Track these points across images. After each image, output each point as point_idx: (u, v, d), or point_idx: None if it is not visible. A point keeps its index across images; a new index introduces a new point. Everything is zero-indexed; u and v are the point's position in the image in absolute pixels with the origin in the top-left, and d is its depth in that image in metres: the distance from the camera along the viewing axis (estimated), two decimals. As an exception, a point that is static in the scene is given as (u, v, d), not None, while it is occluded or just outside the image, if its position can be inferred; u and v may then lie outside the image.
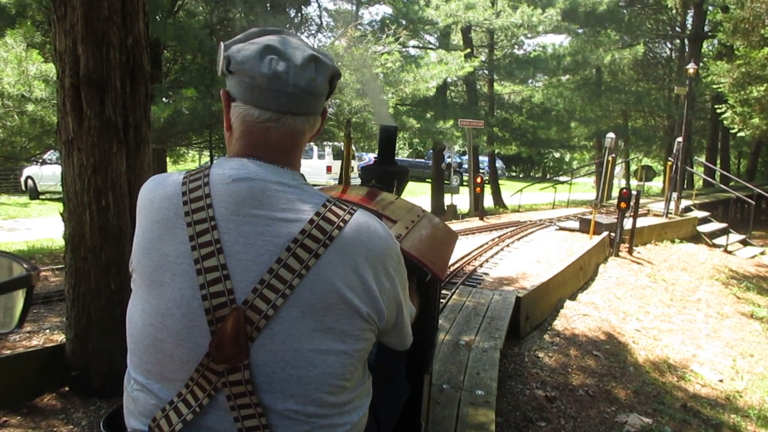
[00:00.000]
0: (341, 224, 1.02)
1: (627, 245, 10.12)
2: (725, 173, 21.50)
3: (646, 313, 7.55)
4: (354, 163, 15.56)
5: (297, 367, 0.98)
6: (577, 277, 7.87)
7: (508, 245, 9.05)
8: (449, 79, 14.64)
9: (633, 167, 28.04)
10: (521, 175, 41.04)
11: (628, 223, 9.99)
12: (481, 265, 7.73)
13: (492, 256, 8.20)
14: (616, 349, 6.21)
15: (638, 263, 9.68)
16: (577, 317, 6.77)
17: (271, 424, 0.99)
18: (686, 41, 24.19)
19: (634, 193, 9.55)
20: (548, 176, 40.49)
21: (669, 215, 13.25)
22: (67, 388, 3.57)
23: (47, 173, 15.13)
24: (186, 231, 1.02)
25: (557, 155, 39.87)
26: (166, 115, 7.74)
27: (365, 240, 1.04)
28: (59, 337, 3.91)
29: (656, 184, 29.02)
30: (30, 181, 16.29)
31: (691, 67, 13.71)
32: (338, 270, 1.00)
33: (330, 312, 1.00)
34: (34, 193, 16.18)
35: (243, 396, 0.98)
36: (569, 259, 7.86)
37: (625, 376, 5.64)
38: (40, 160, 11.44)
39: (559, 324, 6.56)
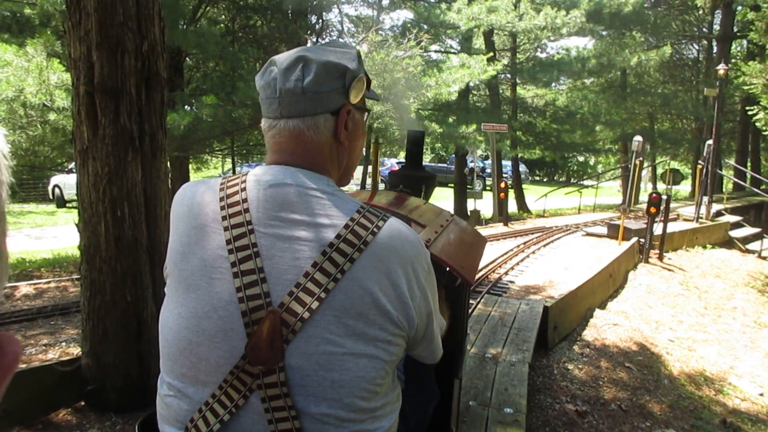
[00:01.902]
0: (375, 230, 1.03)
1: (657, 251, 9.82)
2: (757, 176, 20.89)
3: (679, 323, 7.27)
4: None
5: (331, 371, 0.99)
6: (607, 285, 7.63)
7: (534, 252, 8.82)
8: (471, 83, 14.46)
9: (659, 170, 27.50)
10: (545, 179, 40.52)
11: (657, 229, 9.68)
12: (506, 273, 7.52)
13: (518, 264, 7.98)
14: (649, 360, 5.97)
15: (669, 270, 9.37)
16: (608, 327, 6.54)
17: (304, 427, 0.99)
18: (714, 42, 23.70)
19: (664, 197, 9.26)
20: (572, 180, 39.96)
21: (700, 220, 12.86)
22: (82, 403, 3.49)
23: (73, 182, 15.29)
24: (223, 235, 1.03)
25: (581, 159, 39.25)
26: (186, 122, 7.72)
27: (398, 246, 1.05)
28: (76, 350, 3.83)
29: (683, 187, 28.41)
30: (57, 190, 16.50)
31: (721, 68, 13.32)
32: (372, 275, 1.01)
33: (363, 316, 1.00)
34: (61, 202, 16.37)
35: (277, 398, 0.98)
36: (598, 266, 7.61)
37: (659, 390, 5.40)
38: (66, 169, 11.55)
39: (588, 334, 6.33)
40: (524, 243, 9.44)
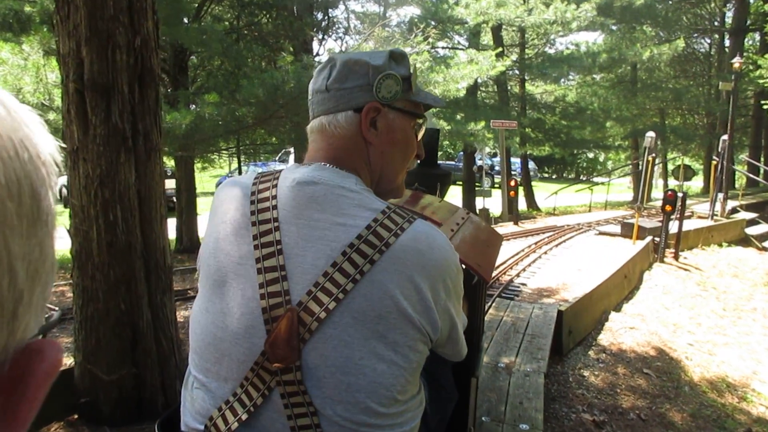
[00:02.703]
0: (399, 232, 1.01)
1: (672, 250, 9.56)
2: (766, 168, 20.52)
3: (697, 325, 7.03)
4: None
5: (347, 374, 0.97)
6: (622, 287, 7.39)
7: (546, 252, 8.57)
8: (480, 80, 14.23)
9: (670, 167, 27.08)
10: (554, 176, 40.14)
11: (672, 227, 9.42)
12: (518, 275, 7.29)
13: (529, 265, 7.74)
14: (668, 366, 5.74)
15: (685, 269, 9.11)
16: (624, 331, 6.31)
17: (322, 425, 0.98)
18: (726, 35, 23.33)
19: (679, 195, 8.99)
20: (582, 177, 39.60)
21: (715, 217, 12.56)
22: (75, 416, 3.34)
23: None
24: (251, 230, 1.03)
25: (591, 155, 38.86)
26: (188, 121, 7.55)
27: (424, 250, 1.01)
28: (69, 360, 3.67)
29: (695, 183, 27.97)
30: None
31: (736, 62, 12.99)
32: (394, 278, 0.98)
33: (383, 320, 0.98)
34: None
35: (296, 395, 0.98)
36: (612, 266, 7.38)
37: (680, 397, 5.17)
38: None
39: (604, 338, 6.11)
40: (536, 243, 9.18)
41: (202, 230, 11.88)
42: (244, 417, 1.00)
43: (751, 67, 16.47)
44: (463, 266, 1.57)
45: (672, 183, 26.93)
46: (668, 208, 8.83)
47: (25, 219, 0.33)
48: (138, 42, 3.32)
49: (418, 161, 2.01)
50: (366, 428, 0.99)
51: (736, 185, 21.54)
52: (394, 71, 1.10)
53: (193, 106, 8.58)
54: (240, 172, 13.30)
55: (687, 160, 25.89)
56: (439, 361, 1.31)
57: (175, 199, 11.23)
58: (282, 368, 0.98)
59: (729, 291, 8.50)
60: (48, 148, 0.37)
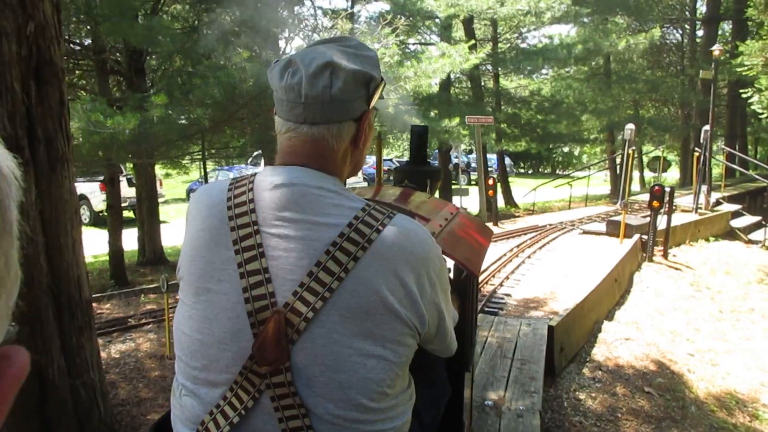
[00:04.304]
0: (380, 227, 1.01)
1: (660, 248, 9.06)
2: (748, 158, 20.33)
3: (696, 331, 6.51)
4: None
5: (337, 372, 0.97)
6: (612, 292, 6.85)
7: (529, 256, 7.96)
8: (453, 74, 13.69)
9: (645, 159, 26.84)
10: (530, 172, 39.86)
11: (660, 223, 8.91)
12: (501, 284, 6.67)
13: (513, 272, 7.12)
14: (671, 382, 5.19)
15: (676, 268, 8.61)
16: (619, 343, 5.75)
17: (314, 426, 0.98)
18: (697, 25, 23.21)
19: (667, 189, 8.48)
20: (558, 171, 39.46)
21: (699, 210, 12.14)
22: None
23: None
24: (230, 236, 1.03)
25: (566, 149, 38.66)
26: (132, 125, 6.82)
27: (406, 244, 1.02)
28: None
29: (670, 174, 27.84)
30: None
31: (716, 49, 12.59)
32: (378, 273, 0.99)
33: (370, 316, 0.98)
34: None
35: (287, 397, 0.98)
36: (601, 270, 6.83)
37: (687, 419, 4.62)
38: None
39: (598, 353, 5.54)
40: (518, 246, 8.54)
41: (169, 239, 11.26)
42: (235, 420, 0.99)
43: (727, 55, 16.19)
44: (452, 261, 1.57)
45: (648, 175, 26.80)
46: (656, 204, 8.33)
47: None
48: (31, 29, 2.69)
49: (408, 159, 2.06)
50: (358, 425, 0.99)
51: (714, 176, 21.33)
52: (382, 77, 1.11)
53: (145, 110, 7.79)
54: (206, 179, 12.53)
55: (661, 152, 25.76)
56: (431, 356, 1.29)
57: (131, 211, 10.49)
58: (271, 371, 0.97)
59: (723, 290, 8.02)
60: (7, 162, 0.38)
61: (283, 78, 1.05)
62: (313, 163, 1.06)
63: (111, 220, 8.90)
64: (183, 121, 8.42)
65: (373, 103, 1.12)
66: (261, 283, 0.98)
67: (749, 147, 32.06)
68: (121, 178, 14.99)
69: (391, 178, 2.41)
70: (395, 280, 0.99)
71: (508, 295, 6.11)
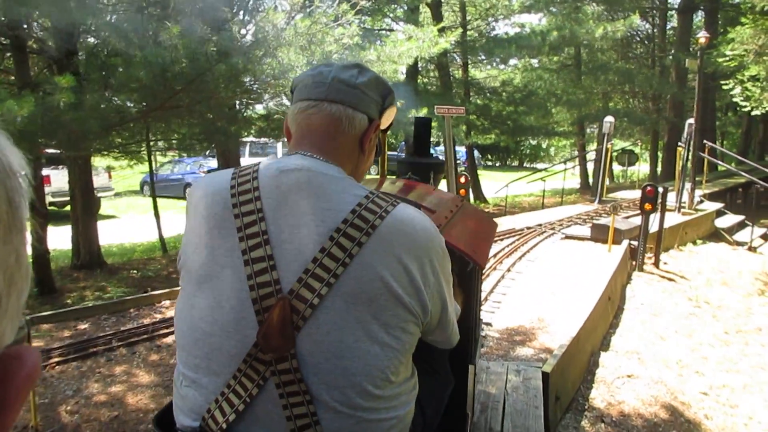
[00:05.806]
0: (383, 214, 1.01)
1: (650, 255, 8.14)
2: (731, 154, 19.82)
3: (703, 360, 5.57)
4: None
5: (342, 358, 0.97)
6: (607, 313, 5.87)
7: (509, 269, 6.90)
8: (420, 60, 12.58)
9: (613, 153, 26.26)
10: (497, 164, 39.09)
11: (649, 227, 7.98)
12: (480, 308, 5.60)
13: (492, 290, 6.04)
14: (690, 436, 4.22)
15: (669, 279, 7.70)
16: (621, 382, 4.75)
17: (318, 413, 0.97)
18: (668, 15, 22.64)
19: (659, 190, 7.54)
20: (525, 164, 38.88)
21: (683, 210, 11.34)
22: None
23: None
24: (234, 223, 1.02)
25: (534, 142, 38.00)
26: (26, 112, 5.53)
27: (410, 231, 1.02)
28: None
29: (639, 168, 27.32)
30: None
31: (702, 36, 11.76)
32: (382, 259, 0.99)
33: (374, 302, 0.98)
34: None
35: (292, 384, 0.97)
36: (593, 288, 5.84)
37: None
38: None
39: (598, 396, 4.53)
40: (494, 256, 7.46)
41: (116, 236, 10.16)
42: (240, 408, 0.98)
43: (698, 47, 15.49)
44: (458, 252, 1.57)
45: (617, 168, 26.23)
46: (648, 206, 7.39)
47: (2, 226, 0.34)
48: None
49: (411, 151, 2.12)
50: (362, 412, 0.98)
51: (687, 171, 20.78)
52: (395, 105, 1.21)
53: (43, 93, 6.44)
54: (151, 175, 11.17)
55: (638, 145, 25.15)
56: (435, 348, 1.26)
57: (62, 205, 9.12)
58: (276, 358, 0.97)
59: (724, 305, 7.14)
60: (18, 160, 0.38)
61: (313, 71, 1.14)
62: (324, 145, 1.09)
63: (31, 219, 7.56)
64: (100, 109, 7.07)
65: (383, 119, 1.18)
66: (266, 270, 0.98)
67: (716, 141, 31.98)
68: (53, 171, 13.53)
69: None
70: (399, 267, 1.00)
71: (488, 324, 5.04)
